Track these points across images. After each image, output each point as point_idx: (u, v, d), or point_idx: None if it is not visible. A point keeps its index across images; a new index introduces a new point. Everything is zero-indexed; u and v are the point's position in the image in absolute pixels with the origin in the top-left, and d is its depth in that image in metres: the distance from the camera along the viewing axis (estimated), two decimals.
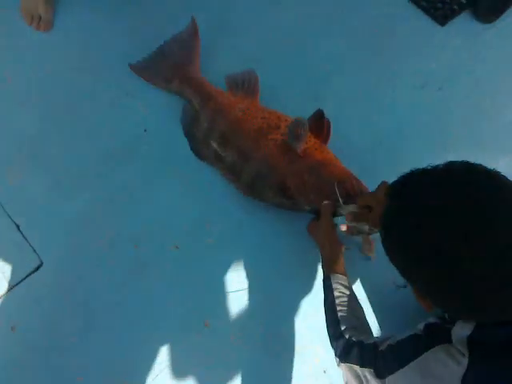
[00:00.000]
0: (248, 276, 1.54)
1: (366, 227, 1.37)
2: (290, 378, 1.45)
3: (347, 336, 1.16)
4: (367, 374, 1.03)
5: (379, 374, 0.99)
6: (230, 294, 1.52)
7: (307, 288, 1.53)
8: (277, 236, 1.58)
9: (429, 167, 0.87)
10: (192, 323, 1.48)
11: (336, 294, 1.26)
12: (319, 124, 1.53)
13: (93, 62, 1.77)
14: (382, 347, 1.02)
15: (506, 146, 1.71)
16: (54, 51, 1.79)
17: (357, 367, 1.08)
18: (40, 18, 1.79)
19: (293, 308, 1.51)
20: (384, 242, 0.90)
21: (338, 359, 1.18)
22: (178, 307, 1.49)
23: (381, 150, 1.68)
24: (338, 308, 1.24)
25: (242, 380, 1.42)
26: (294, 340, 1.49)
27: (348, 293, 1.27)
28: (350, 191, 1.39)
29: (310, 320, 1.49)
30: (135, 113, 1.71)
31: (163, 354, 1.45)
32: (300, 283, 1.54)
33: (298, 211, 1.55)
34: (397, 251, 0.87)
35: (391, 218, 0.87)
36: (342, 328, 1.19)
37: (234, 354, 1.46)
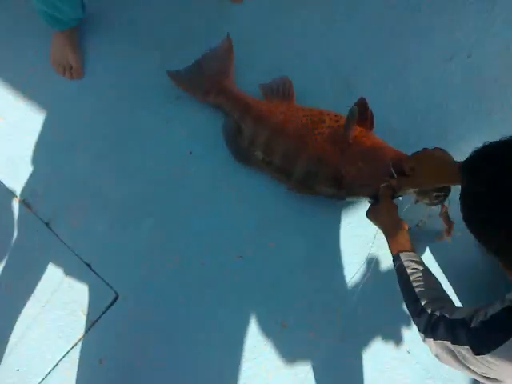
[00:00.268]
0: (314, 272, 1.58)
1: (434, 198, 1.40)
2: (375, 363, 1.47)
3: (429, 311, 1.15)
4: (462, 351, 1.02)
5: (478, 352, 0.98)
6: (301, 292, 1.55)
7: (379, 275, 1.55)
8: (336, 228, 1.61)
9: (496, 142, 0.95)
10: (270, 326, 1.52)
11: (409, 271, 1.26)
12: (362, 112, 1.54)
13: (128, 97, 1.83)
14: (475, 324, 1.01)
15: None
16: (91, 95, 1.86)
17: (447, 343, 1.06)
18: (71, 67, 1.87)
19: (365, 295, 1.53)
20: (470, 218, 0.95)
21: (423, 335, 1.16)
22: (253, 313, 1.54)
23: (421, 127, 1.69)
24: (414, 284, 1.23)
25: (329, 371, 1.45)
26: (371, 327, 1.49)
27: (421, 268, 1.27)
28: (406, 170, 1.41)
29: (378, 305, 1.51)
30: (178, 138, 1.76)
31: (248, 363, 1.49)
32: (368, 271, 1.55)
33: (352, 200, 1.57)
34: (487, 223, 0.91)
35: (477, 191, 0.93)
36: (423, 303, 1.18)
37: (316, 348, 1.50)
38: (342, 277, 1.56)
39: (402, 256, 1.30)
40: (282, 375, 1.48)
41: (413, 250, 1.33)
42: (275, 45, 1.87)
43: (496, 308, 0.98)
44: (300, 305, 1.54)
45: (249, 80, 1.76)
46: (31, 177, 1.74)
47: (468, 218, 0.96)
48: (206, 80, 1.75)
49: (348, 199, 1.60)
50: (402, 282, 1.28)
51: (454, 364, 1.08)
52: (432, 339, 1.12)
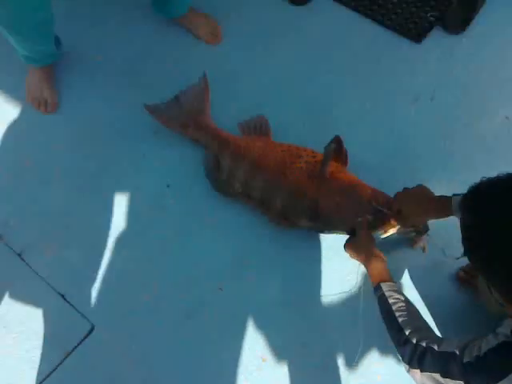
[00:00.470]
0: (293, 305, 1.59)
1: (412, 233, 1.54)
2: None
3: (414, 340, 1.16)
4: (452, 382, 1.04)
5: None
6: (280, 326, 1.56)
7: (354, 310, 1.56)
8: (315, 261, 1.65)
9: (494, 178, 0.99)
10: (250, 361, 1.52)
11: (391, 300, 1.29)
12: (338, 149, 1.63)
13: (103, 132, 1.86)
14: (468, 358, 1.02)
15: (504, 142, 1.84)
16: (66, 129, 1.87)
17: (436, 375, 1.08)
18: (46, 101, 1.89)
19: (346, 330, 1.55)
20: (470, 253, 1.00)
21: (407, 366, 1.17)
22: (233, 348, 1.53)
23: (392, 163, 1.78)
24: (397, 314, 1.25)
25: None
26: (350, 362, 1.51)
27: (402, 298, 1.30)
28: (383, 206, 1.51)
29: (366, 339, 1.51)
30: (155, 171, 1.79)
31: None
32: (346, 303, 1.58)
33: (331, 232, 1.62)
34: (487, 258, 0.95)
35: (474, 229, 0.98)
36: (407, 333, 1.19)
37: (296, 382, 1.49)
38: (323, 310, 1.58)
39: (383, 286, 1.33)
40: None
41: (392, 280, 1.37)
42: (251, 83, 1.95)
43: (490, 343, 0.99)
44: (279, 339, 1.54)
45: (226, 116, 1.83)
46: (3, 208, 1.73)
47: (469, 253, 1.01)
48: (183, 114, 1.80)
49: (326, 232, 1.65)
50: (384, 312, 1.30)
51: None
52: (418, 370, 1.12)
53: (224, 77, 1.94)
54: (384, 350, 1.51)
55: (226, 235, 1.68)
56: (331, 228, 1.60)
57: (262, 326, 1.56)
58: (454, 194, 1.30)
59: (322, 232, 1.64)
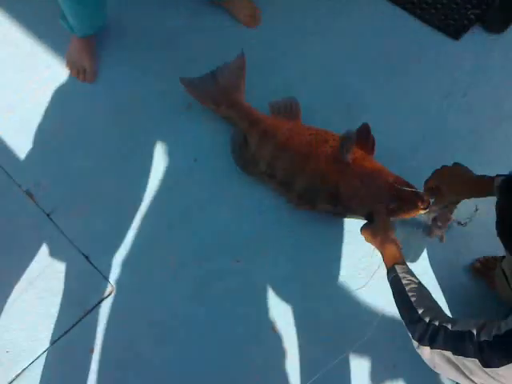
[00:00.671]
0: (307, 281, 1.63)
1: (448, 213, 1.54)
2: (361, 376, 1.50)
3: (427, 319, 1.17)
4: (467, 362, 1.04)
5: (488, 365, 1.00)
6: (293, 299, 1.60)
7: (368, 288, 1.59)
8: (330, 241, 1.68)
9: None
10: (261, 330, 1.56)
11: (404, 282, 1.30)
12: (365, 137, 1.65)
13: (140, 103, 1.90)
14: (486, 337, 1.02)
15: None
16: (101, 99, 1.92)
17: (448, 353, 1.08)
18: (85, 70, 1.94)
19: (356, 305, 1.59)
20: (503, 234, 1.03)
21: (417, 343, 1.18)
22: (245, 318, 1.58)
23: (418, 155, 1.79)
24: (410, 294, 1.26)
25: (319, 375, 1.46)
26: (359, 338, 1.53)
27: (416, 280, 1.32)
28: (404, 194, 1.52)
29: (370, 316, 1.55)
30: (184, 146, 1.83)
31: (239, 365, 1.52)
32: (359, 282, 1.60)
33: (349, 217, 1.64)
34: None
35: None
36: (420, 312, 1.20)
37: (306, 353, 1.53)
38: (335, 286, 1.61)
39: (397, 268, 1.35)
40: (272, 378, 1.50)
41: (406, 265, 1.38)
42: (284, 67, 1.98)
43: (510, 324, 1.00)
44: (292, 312, 1.58)
45: (258, 97, 1.85)
46: (37, 169, 1.79)
47: (502, 233, 1.03)
48: (218, 91, 1.82)
49: (344, 217, 1.67)
50: (397, 293, 1.31)
51: (450, 373, 1.10)
52: (428, 347, 1.13)
53: (260, 59, 1.96)
54: (394, 328, 1.53)
55: (245, 212, 1.72)
56: (350, 213, 1.63)
57: (274, 299, 1.60)
58: (498, 175, 1.29)
59: (341, 216, 1.66)
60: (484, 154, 1.80)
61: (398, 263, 1.37)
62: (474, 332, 1.05)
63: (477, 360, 1.01)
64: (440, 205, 1.52)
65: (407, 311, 1.24)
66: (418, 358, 1.39)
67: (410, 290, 1.27)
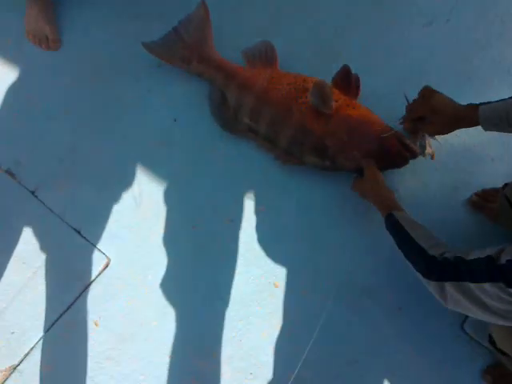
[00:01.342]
0: (304, 234, 1.61)
1: (428, 140, 1.51)
2: (364, 320, 1.52)
3: (437, 254, 1.15)
4: (489, 289, 1.02)
5: None
6: (292, 253, 1.59)
7: (362, 235, 1.60)
8: (325, 190, 1.65)
9: None
10: (262, 287, 1.56)
11: (405, 224, 1.28)
12: (346, 80, 1.57)
13: (108, 67, 1.81)
14: (509, 257, 1.00)
15: None
16: (69, 65, 1.83)
17: (465, 284, 1.06)
18: (47, 38, 1.83)
19: (355, 255, 1.58)
20: None
21: (427, 280, 1.17)
22: (247, 276, 1.57)
23: (406, 90, 1.71)
24: (413, 234, 1.24)
25: (321, 327, 1.48)
26: (361, 285, 1.54)
27: (417, 223, 1.30)
28: (394, 146, 1.49)
29: (371, 264, 1.56)
30: (162, 105, 1.76)
31: (242, 321, 1.54)
32: (356, 231, 1.61)
33: (337, 171, 1.61)
34: None
35: None
36: (428, 249, 1.18)
37: (308, 306, 1.54)
38: (332, 237, 1.60)
39: (395, 214, 1.32)
40: (276, 332, 1.52)
41: (403, 210, 1.36)
42: (255, 9, 1.87)
43: None
44: (291, 266, 1.58)
45: (229, 46, 1.75)
46: (13, 147, 1.73)
47: None
48: (185, 48, 1.73)
49: (333, 171, 1.62)
50: (400, 236, 1.28)
51: (465, 306, 1.08)
52: (442, 282, 1.12)
53: (225, 3, 1.86)
54: (396, 274, 1.55)
55: (235, 168, 1.68)
56: (338, 167, 1.58)
57: (273, 254, 1.59)
58: (482, 103, 1.26)
59: (330, 170, 1.61)
60: (472, 81, 1.74)
61: (394, 210, 1.35)
62: (494, 256, 1.03)
63: (501, 283, 0.99)
64: (420, 134, 1.50)
65: (413, 250, 1.23)
66: (423, 299, 1.42)
67: (413, 232, 1.25)
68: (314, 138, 1.55)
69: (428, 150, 1.54)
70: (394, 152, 1.50)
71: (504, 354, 1.33)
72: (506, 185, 1.47)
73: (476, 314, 1.08)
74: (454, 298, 1.10)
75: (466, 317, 1.49)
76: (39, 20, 1.81)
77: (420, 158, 1.54)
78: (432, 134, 1.48)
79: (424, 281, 1.18)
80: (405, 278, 1.53)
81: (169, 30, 1.75)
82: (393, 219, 1.32)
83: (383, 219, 1.37)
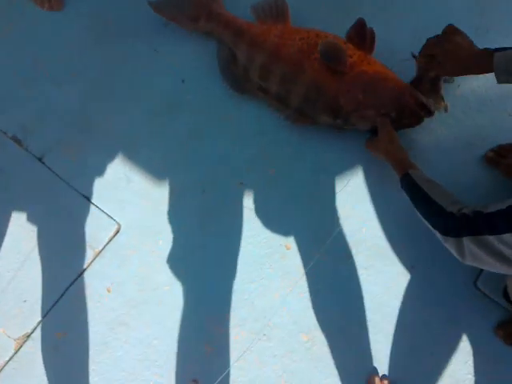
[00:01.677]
0: (315, 196, 1.58)
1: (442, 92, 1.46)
2: (378, 281, 1.51)
3: (455, 210, 1.12)
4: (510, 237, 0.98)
5: None
6: (302, 216, 1.57)
7: (375, 196, 1.58)
8: (336, 152, 1.61)
9: None
10: (274, 249, 1.55)
11: (421, 183, 1.25)
12: (361, 34, 1.51)
13: (114, 27, 1.76)
14: None
15: None
16: (73, 27, 1.78)
17: (485, 238, 1.03)
18: None
19: (368, 216, 1.56)
20: None
21: (444, 236, 1.14)
22: (258, 239, 1.56)
23: (421, 44, 1.66)
24: (430, 193, 1.21)
25: (333, 289, 1.49)
26: (374, 245, 1.53)
27: (432, 180, 1.27)
28: (410, 105, 1.43)
29: (384, 224, 1.54)
30: (169, 67, 1.71)
31: (254, 284, 1.53)
32: (368, 192, 1.58)
33: (350, 130, 1.57)
34: None
35: None
36: (445, 205, 1.16)
37: (321, 268, 1.52)
38: (343, 200, 1.57)
39: (411, 173, 1.30)
40: (288, 294, 1.51)
41: (419, 169, 1.33)
42: None
43: None
44: (303, 228, 1.56)
45: (239, 1, 1.69)
46: (19, 113, 1.69)
47: None
48: (192, 4, 1.67)
49: (347, 130, 1.58)
50: (416, 195, 1.26)
51: (485, 258, 1.05)
52: (461, 238, 1.09)
53: None
54: (408, 233, 1.53)
55: (245, 130, 1.64)
56: (352, 125, 1.53)
57: (285, 217, 1.57)
58: (497, 49, 1.20)
59: (343, 129, 1.57)
60: (493, 35, 1.67)
61: (410, 169, 1.32)
62: None
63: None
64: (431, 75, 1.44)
65: (431, 208, 1.20)
66: (436, 257, 1.41)
67: (430, 190, 1.23)
68: (326, 97, 1.50)
69: (441, 104, 1.50)
70: (410, 111, 1.45)
71: None
72: None
73: (495, 266, 1.06)
74: (472, 252, 1.07)
75: (479, 274, 1.48)
76: None
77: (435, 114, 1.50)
78: (442, 76, 1.43)
79: (442, 238, 1.16)
80: (417, 236, 1.51)
81: None
82: (409, 178, 1.29)
83: (398, 179, 1.35)
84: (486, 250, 1.04)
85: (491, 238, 1.02)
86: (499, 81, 1.21)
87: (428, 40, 1.40)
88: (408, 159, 1.39)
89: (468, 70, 1.32)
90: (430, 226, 1.21)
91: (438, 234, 1.17)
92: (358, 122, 1.51)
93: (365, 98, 1.47)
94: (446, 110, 1.51)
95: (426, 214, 1.22)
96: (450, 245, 1.13)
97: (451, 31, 1.34)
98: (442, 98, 1.48)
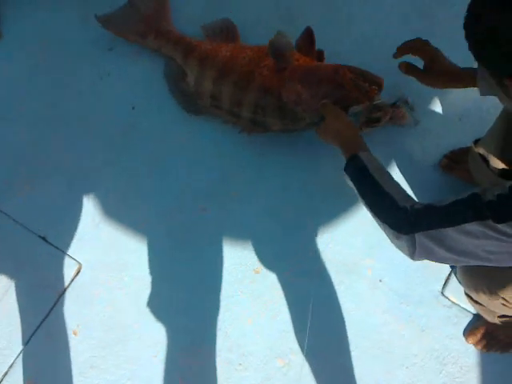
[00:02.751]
0: (280, 216, 1.57)
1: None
2: (349, 297, 1.50)
3: (408, 205, 1.02)
4: (472, 227, 0.92)
5: (503, 219, 0.89)
6: (269, 237, 1.55)
7: (338, 210, 1.57)
8: (295, 174, 1.60)
9: None
10: (243, 274, 1.53)
11: (371, 168, 1.13)
12: (309, 42, 1.53)
13: (57, 55, 1.70)
14: (498, 191, 0.91)
15: None
16: (15, 58, 1.71)
17: (441, 230, 0.96)
18: None
19: (330, 233, 1.55)
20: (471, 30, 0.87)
21: (395, 233, 1.03)
22: (226, 264, 1.54)
23: (369, 50, 1.67)
24: (381, 182, 1.09)
25: (306, 308, 1.46)
26: (341, 262, 1.53)
27: (383, 167, 1.16)
28: (347, 80, 1.42)
29: (349, 238, 1.54)
30: (117, 92, 1.66)
31: (227, 312, 1.51)
32: (331, 207, 1.57)
33: (305, 130, 1.55)
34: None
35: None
36: (396, 198, 1.05)
37: (291, 288, 1.52)
38: (309, 217, 1.56)
39: (361, 155, 1.15)
40: (261, 319, 1.49)
41: (369, 151, 1.22)
42: None
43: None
44: (270, 249, 1.54)
45: (187, 23, 1.67)
46: None
47: (469, 31, 0.88)
48: (141, 21, 1.65)
49: (298, 130, 1.57)
50: (365, 182, 1.13)
51: (439, 253, 0.99)
52: (413, 234, 1.00)
53: None
54: (373, 245, 1.53)
55: (203, 153, 1.61)
56: (300, 121, 1.51)
57: (251, 240, 1.55)
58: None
59: (295, 130, 1.55)
60: (440, 39, 1.64)
61: (359, 150, 1.18)
62: (479, 193, 0.93)
63: (490, 220, 0.90)
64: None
65: (382, 201, 1.08)
66: (402, 268, 1.45)
67: (381, 178, 1.10)
68: (272, 98, 1.50)
69: (407, 120, 1.52)
70: (351, 86, 1.42)
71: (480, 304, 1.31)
72: (476, 141, 1.42)
73: (449, 260, 1.02)
74: (425, 248, 0.99)
75: (445, 283, 1.50)
76: None
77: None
78: (425, 84, 1.36)
79: (391, 234, 1.05)
80: (382, 249, 1.51)
81: (119, 4, 1.66)
82: (358, 161, 1.15)
83: (345, 161, 1.20)
84: (442, 244, 0.97)
85: (449, 231, 0.95)
86: (482, 93, 1.21)
87: (412, 41, 1.34)
88: (358, 138, 1.25)
89: (453, 81, 1.30)
90: (376, 219, 1.09)
91: (386, 230, 1.07)
92: (304, 116, 1.49)
93: (303, 87, 1.46)
94: (415, 123, 1.54)
95: (376, 207, 1.10)
96: (401, 242, 1.03)
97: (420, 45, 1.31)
98: (410, 111, 1.50)
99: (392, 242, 1.08)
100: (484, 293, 1.18)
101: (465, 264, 1.03)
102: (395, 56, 1.36)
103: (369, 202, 1.12)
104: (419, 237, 0.98)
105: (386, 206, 1.07)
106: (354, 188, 1.16)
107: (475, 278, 1.21)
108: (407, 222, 1.01)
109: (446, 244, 0.96)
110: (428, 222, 0.98)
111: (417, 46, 1.31)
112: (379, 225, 1.10)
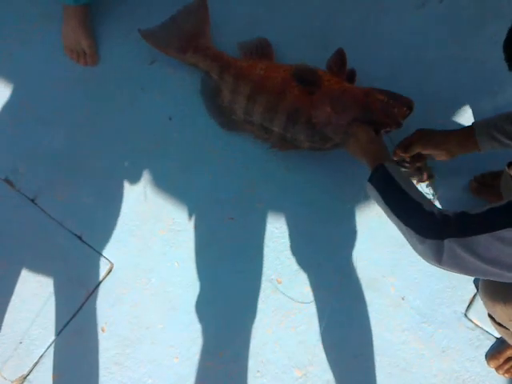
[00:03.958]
0: (304, 229, 1.61)
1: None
2: (370, 313, 1.52)
3: (435, 210, 1.01)
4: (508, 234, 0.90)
5: None
6: (294, 249, 1.59)
7: (363, 227, 1.59)
8: (322, 183, 1.63)
9: None
10: (266, 285, 1.57)
11: (399, 179, 1.13)
12: (340, 63, 1.57)
13: (99, 66, 1.78)
14: None
15: None
16: (59, 66, 1.80)
17: (472, 238, 0.93)
18: (84, 53, 1.76)
19: (354, 248, 1.58)
20: None
21: (419, 237, 1.01)
22: (249, 274, 1.58)
23: (400, 75, 1.69)
24: (406, 188, 1.10)
25: (326, 323, 1.49)
26: (364, 278, 1.54)
27: (410, 180, 1.23)
28: (378, 100, 1.46)
29: (374, 255, 1.56)
30: (156, 104, 1.73)
31: (247, 321, 1.55)
32: (355, 222, 1.60)
33: (333, 147, 1.58)
34: None
35: None
36: (424, 204, 1.05)
37: (312, 302, 1.54)
38: (333, 232, 1.59)
39: (388, 166, 1.16)
40: (281, 329, 1.52)
41: (396, 164, 1.26)
42: (249, 1, 1.82)
43: None
44: (293, 261, 1.58)
45: (225, 41, 1.73)
46: (10, 154, 1.70)
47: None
48: (181, 37, 1.70)
49: (328, 149, 1.59)
50: (390, 189, 1.13)
51: (470, 262, 0.96)
52: (441, 240, 0.97)
53: None
54: (398, 263, 1.54)
55: (232, 168, 1.66)
56: (328, 141, 1.55)
57: (275, 251, 1.59)
58: (474, 123, 1.24)
59: (325, 149, 1.58)
60: (471, 65, 1.69)
61: (385, 161, 1.20)
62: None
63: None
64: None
65: (407, 205, 1.07)
66: (425, 288, 1.44)
67: (406, 185, 1.11)
68: (303, 118, 1.54)
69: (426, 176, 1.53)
70: (381, 109, 1.45)
71: (503, 326, 1.31)
72: (510, 163, 1.41)
73: (479, 271, 0.97)
74: (454, 255, 0.96)
75: (470, 304, 1.49)
76: (78, 31, 1.72)
77: None
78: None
79: (415, 239, 1.02)
80: (407, 267, 1.53)
81: (162, 20, 1.72)
82: (383, 170, 1.16)
83: (370, 173, 1.21)
84: (473, 253, 0.94)
85: (482, 238, 0.93)
86: (483, 148, 1.24)
87: (408, 140, 1.42)
88: (385, 151, 1.28)
89: (460, 151, 1.37)
90: (400, 226, 1.08)
91: (410, 235, 1.05)
92: (333, 135, 1.52)
93: (333, 109, 1.49)
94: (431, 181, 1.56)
95: (401, 211, 1.09)
96: (426, 247, 1.00)
97: (426, 135, 1.39)
98: (426, 170, 1.52)
99: (415, 248, 1.06)
100: (501, 309, 1.18)
101: (492, 277, 0.98)
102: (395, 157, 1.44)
103: (393, 207, 1.10)
104: (449, 243, 0.96)
105: (411, 210, 1.06)
106: (378, 198, 1.15)
107: (495, 294, 1.21)
108: (434, 227, 1.00)
109: (477, 252, 0.93)
110: (461, 228, 0.96)
111: (415, 144, 1.39)
112: (403, 232, 1.08)
